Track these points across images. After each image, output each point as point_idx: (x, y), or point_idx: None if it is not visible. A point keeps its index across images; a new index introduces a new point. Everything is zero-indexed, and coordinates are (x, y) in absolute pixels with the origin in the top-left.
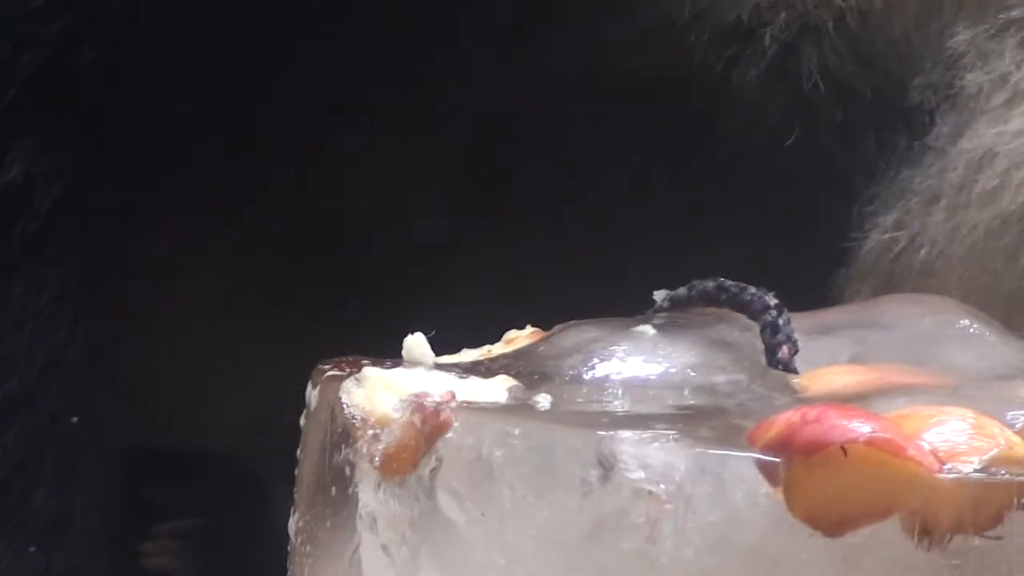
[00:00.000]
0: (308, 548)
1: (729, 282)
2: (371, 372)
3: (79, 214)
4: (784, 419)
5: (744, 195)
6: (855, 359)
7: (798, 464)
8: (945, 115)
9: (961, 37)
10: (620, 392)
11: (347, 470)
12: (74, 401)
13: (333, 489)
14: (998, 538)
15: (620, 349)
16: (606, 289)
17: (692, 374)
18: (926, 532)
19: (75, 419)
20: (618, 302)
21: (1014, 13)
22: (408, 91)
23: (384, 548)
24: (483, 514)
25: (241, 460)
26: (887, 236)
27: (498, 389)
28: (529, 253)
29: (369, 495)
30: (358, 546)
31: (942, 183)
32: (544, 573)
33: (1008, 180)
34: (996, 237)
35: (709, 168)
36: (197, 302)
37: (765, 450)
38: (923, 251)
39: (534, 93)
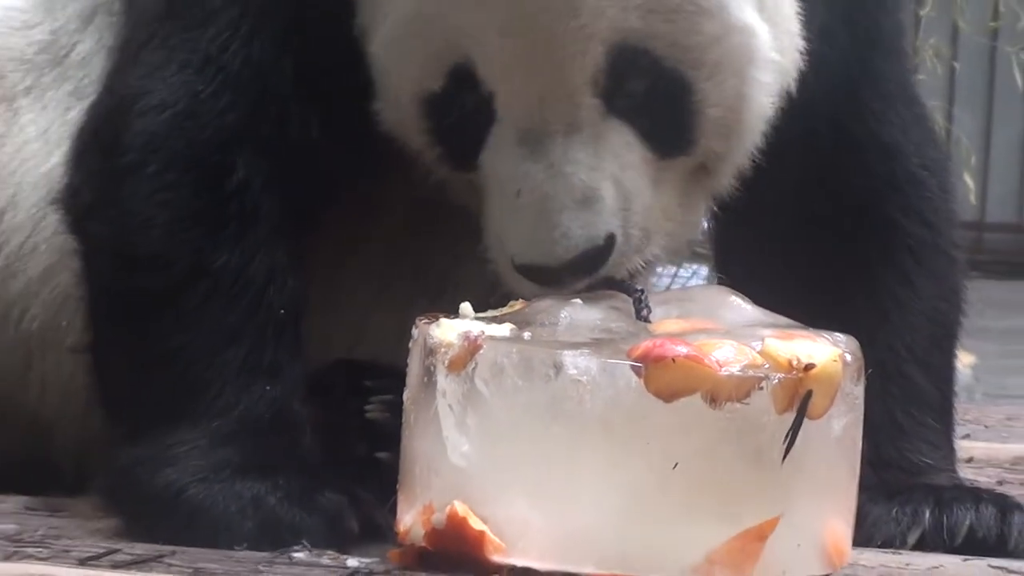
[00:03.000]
0: (413, 407)
1: (617, 278)
2: (444, 320)
3: (279, 199)
4: (645, 344)
5: None
6: (680, 316)
7: (652, 367)
8: None
9: None
10: (564, 330)
11: (432, 368)
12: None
13: (425, 379)
14: (747, 404)
15: (565, 310)
16: None
17: (599, 322)
18: (714, 400)
19: (282, 311)
20: None
21: None
22: None
23: (449, 407)
24: (498, 390)
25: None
26: None
27: (505, 330)
28: None
29: (442, 381)
30: (436, 406)
31: None
32: (528, 420)
33: None
34: None
35: None
36: (358, 279)
37: (636, 360)
38: None
39: None
